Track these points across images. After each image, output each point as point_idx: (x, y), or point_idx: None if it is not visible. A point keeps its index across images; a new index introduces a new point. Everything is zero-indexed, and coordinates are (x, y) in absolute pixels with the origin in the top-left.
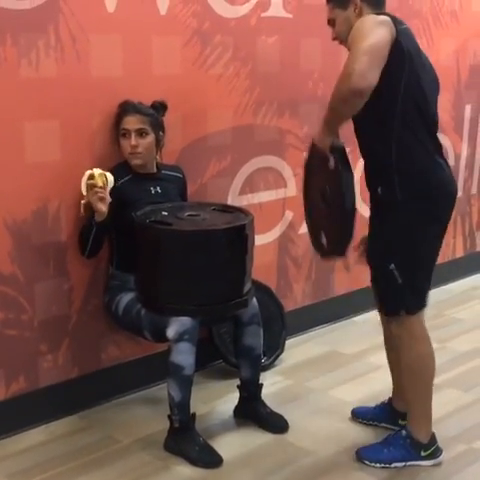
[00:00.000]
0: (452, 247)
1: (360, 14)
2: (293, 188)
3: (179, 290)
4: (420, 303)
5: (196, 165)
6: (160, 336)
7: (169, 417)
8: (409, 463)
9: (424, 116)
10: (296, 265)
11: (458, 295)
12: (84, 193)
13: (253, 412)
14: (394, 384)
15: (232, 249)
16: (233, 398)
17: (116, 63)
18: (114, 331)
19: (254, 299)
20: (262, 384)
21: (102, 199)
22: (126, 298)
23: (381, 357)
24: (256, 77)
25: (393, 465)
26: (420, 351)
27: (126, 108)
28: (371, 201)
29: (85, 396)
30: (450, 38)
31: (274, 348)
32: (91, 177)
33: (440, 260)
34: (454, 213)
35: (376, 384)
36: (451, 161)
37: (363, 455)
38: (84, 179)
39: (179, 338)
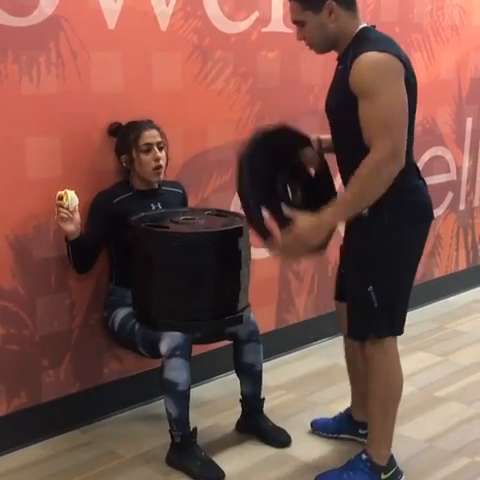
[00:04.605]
0: (455, 260)
1: (336, 20)
2: None
3: (170, 304)
4: (392, 328)
5: (197, 180)
6: (154, 352)
7: (170, 432)
8: None
9: (411, 135)
10: (298, 279)
11: (460, 308)
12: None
13: (255, 426)
14: (353, 395)
15: (227, 259)
16: (235, 412)
17: (117, 79)
18: (116, 346)
19: (252, 316)
20: (264, 398)
21: (63, 219)
22: (122, 313)
23: None
24: (257, 92)
25: None
26: (389, 377)
27: (141, 125)
28: (348, 220)
29: (87, 411)
30: (451, 52)
31: None
32: (60, 198)
33: (443, 273)
34: (456, 226)
35: None
36: (452, 174)
37: None
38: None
39: (171, 354)
